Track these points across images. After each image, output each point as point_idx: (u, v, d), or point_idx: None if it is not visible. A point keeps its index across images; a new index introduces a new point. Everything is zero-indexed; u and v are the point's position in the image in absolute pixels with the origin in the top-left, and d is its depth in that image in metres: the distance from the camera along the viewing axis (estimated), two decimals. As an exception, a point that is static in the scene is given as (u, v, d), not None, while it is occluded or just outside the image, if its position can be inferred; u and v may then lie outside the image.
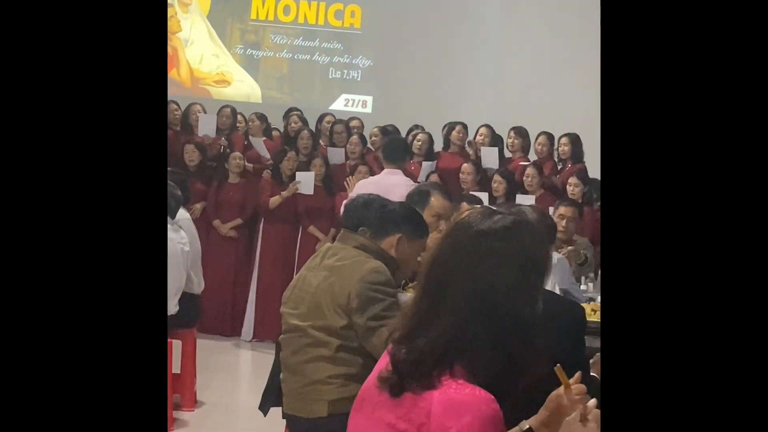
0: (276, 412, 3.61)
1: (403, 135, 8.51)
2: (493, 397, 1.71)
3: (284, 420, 3.39)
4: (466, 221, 1.84)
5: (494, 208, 1.88)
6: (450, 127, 8.51)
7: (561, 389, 1.87)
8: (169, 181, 5.88)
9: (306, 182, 7.87)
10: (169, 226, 5.46)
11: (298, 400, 3.21)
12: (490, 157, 8.04)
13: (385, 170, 6.61)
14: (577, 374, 1.92)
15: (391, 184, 5.57)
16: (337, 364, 3.13)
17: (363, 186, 5.84)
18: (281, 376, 3.33)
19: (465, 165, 7.81)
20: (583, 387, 1.89)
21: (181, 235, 5.63)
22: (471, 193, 6.94)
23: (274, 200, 7.99)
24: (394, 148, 6.79)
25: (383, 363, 1.86)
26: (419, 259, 3.33)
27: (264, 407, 3.75)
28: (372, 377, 1.87)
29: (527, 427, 1.88)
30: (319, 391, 3.14)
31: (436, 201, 4.03)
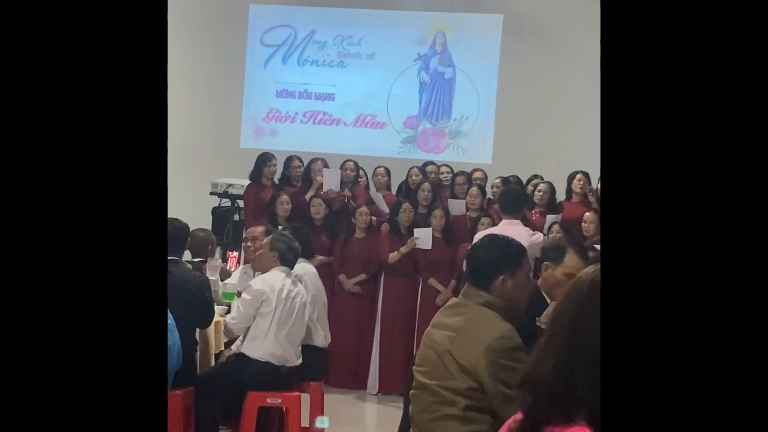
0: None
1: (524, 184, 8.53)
2: None
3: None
4: (592, 270, 1.85)
5: None
6: (571, 176, 8.46)
7: None
8: (287, 234, 6.04)
9: (424, 238, 7.90)
10: (286, 277, 5.60)
11: (428, 457, 3.21)
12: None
13: (504, 221, 6.61)
14: None
15: (511, 235, 5.56)
16: (465, 423, 3.12)
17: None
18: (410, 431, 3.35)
19: (587, 214, 7.72)
20: None
21: (301, 287, 5.74)
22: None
23: (393, 256, 8.04)
24: (511, 198, 6.80)
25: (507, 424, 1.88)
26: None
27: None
28: None
29: None
30: (448, 449, 3.14)
31: (571, 260, 3.97)
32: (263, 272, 5.70)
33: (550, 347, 1.80)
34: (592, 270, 1.85)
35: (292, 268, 5.74)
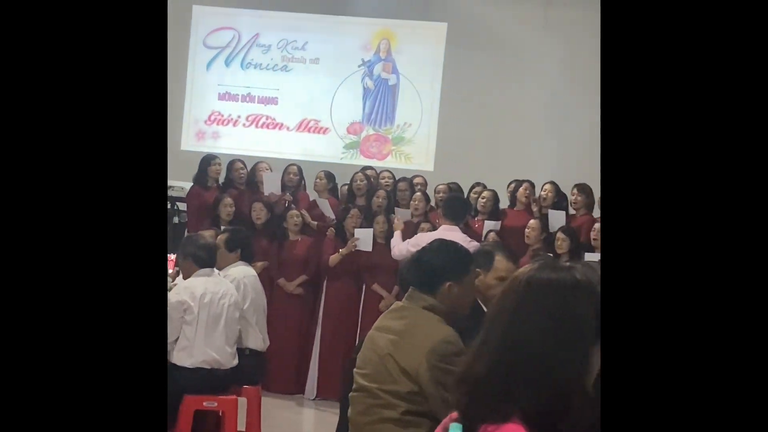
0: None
1: (466, 192, 8.57)
2: None
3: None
4: (528, 269, 1.86)
5: (561, 264, 1.88)
6: (517, 184, 8.51)
7: None
8: (197, 233, 5.95)
9: (364, 239, 7.92)
10: (209, 278, 5.51)
11: (366, 460, 3.19)
12: (557, 220, 8.01)
13: (443, 227, 6.63)
14: None
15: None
16: (403, 426, 3.10)
17: (421, 240, 5.86)
18: (349, 435, 3.33)
19: (532, 221, 7.78)
20: None
21: (227, 287, 5.66)
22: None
23: (334, 258, 8.03)
24: (453, 205, 6.83)
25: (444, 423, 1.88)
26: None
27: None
28: None
29: None
30: (386, 451, 3.12)
31: (500, 263, 3.97)
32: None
33: (486, 346, 1.81)
34: (528, 269, 1.86)
35: (212, 265, 5.64)
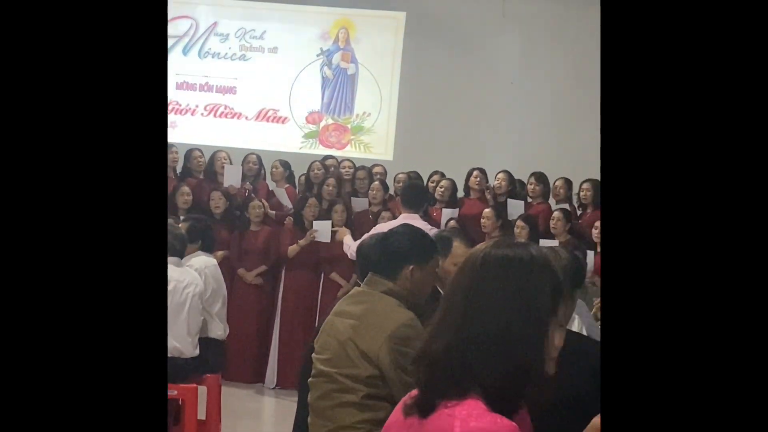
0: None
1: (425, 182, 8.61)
2: (514, 424, 1.73)
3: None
4: (484, 246, 1.89)
5: (518, 241, 1.91)
6: (468, 173, 8.58)
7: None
8: (172, 223, 5.94)
9: (323, 231, 7.93)
10: (177, 267, 5.51)
11: (326, 444, 3.22)
12: (515, 209, 8.08)
13: (403, 215, 6.67)
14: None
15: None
16: (363, 410, 3.12)
17: (381, 230, 5.88)
18: (308, 419, 3.34)
19: (486, 210, 7.85)
20: None
21: (193, 276, 5.66)
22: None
23: (293, 249, 8.04)
24: (412, 193, 6.87)
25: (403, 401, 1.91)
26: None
27: (291, 454, 3.76)
28: (395, 414, 1.91)
29: None
30: (346, 436, 3.15)
31: (458, 249, 4.00)
32: None
33: (444, 323, 1.83)
34: (484, 246, 1.89)
35: (182, 256, 5.64)
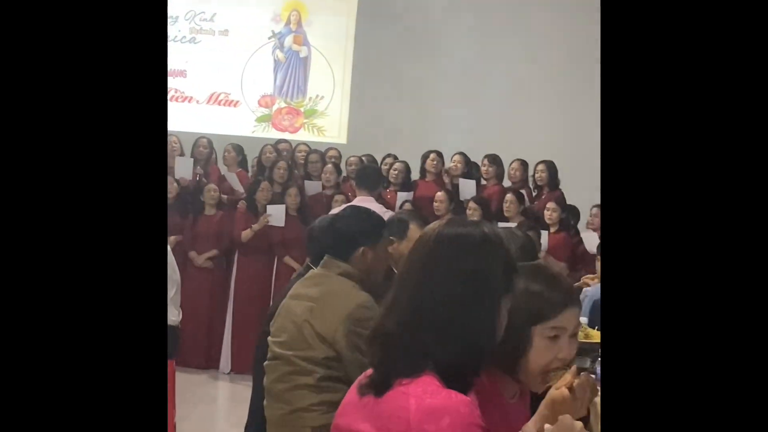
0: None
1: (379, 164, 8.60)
2: (470, 399, 1.74)
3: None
4: (437, 225, 1.89)
5: (470, 220, 1.92)
6: (425, 155, 8.57)
7: (562, 389, 1.86)
8: None
9: (276, 215, 7.90)
10: None
11: (282, 427, 3.20)
12: (467, 189, 8.10)
13: (358, 197, 6.66)
14: (573, 368, 1.93)
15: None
16: (320, 392, 3.12)
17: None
18: (264, 403, 3.32)
19: (439, 193, 7.86)
20: (585, 379, 1.87)
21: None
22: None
23: (246, 233, 8.00)
24: (367, 175, 6.86)
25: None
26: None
27: (246, 439, 3.74)
28: (350, 394, 1.90)
29: None
30: (302, 418, 3.13)
31: (414, 232, 3.98)
32: None
33: (398, 302, 1.83)
34: (437, 225, 1.89)
35: None
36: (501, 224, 7.15)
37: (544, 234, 7.38)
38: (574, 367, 1.92)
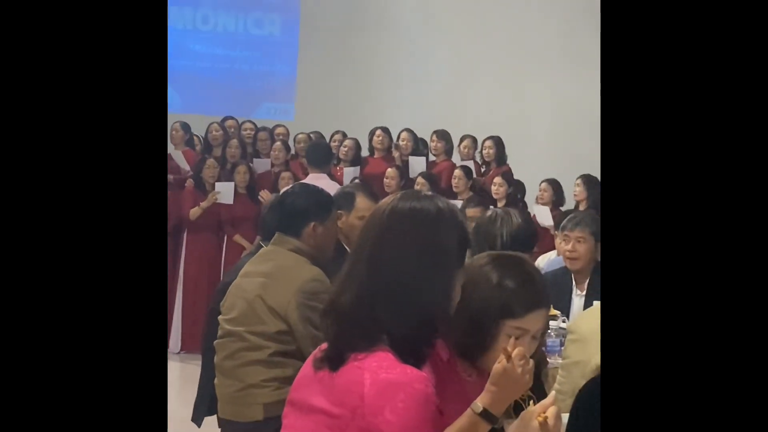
0: (210, 421, 3.57)
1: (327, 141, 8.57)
2: (425, 375, 1.75)
3: (219, 429, 3.37)
4: (391, 199, 1.89)
5: (424, 194, 1.92)
6: (371, 132, 8.56)
7: (502, 360, 1.85)
8: None
9: (225, 192, 7.85)
10: None
11: (233, 404, 3.19)
12: (417, 166, 8.11)
13: (311, 175, 6.64)
14: (511, 340, 1.92)
15: (319, 187, 5.58)
16: (271, 367, 3.12)
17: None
18: (215, 380, 3.31)
19: (389, 170, 7.87)
20: (521, 349, 1.86)
21: None
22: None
23: (194, 211, 7.93)
24: (318, 152, 6.85)
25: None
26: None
27: (197, 418, 3.72)
28: (305, 369, 1.90)
29: (482, 408, 1.83)
30: (253, 394, 3.13)
31: (362, 202, 3.99)
32: None
33: (352, 275, 1.83)
34: (391, 199, 1.88)
35: None
36: (498, 207, 7.14)
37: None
38: (512, 339, 1.91)
